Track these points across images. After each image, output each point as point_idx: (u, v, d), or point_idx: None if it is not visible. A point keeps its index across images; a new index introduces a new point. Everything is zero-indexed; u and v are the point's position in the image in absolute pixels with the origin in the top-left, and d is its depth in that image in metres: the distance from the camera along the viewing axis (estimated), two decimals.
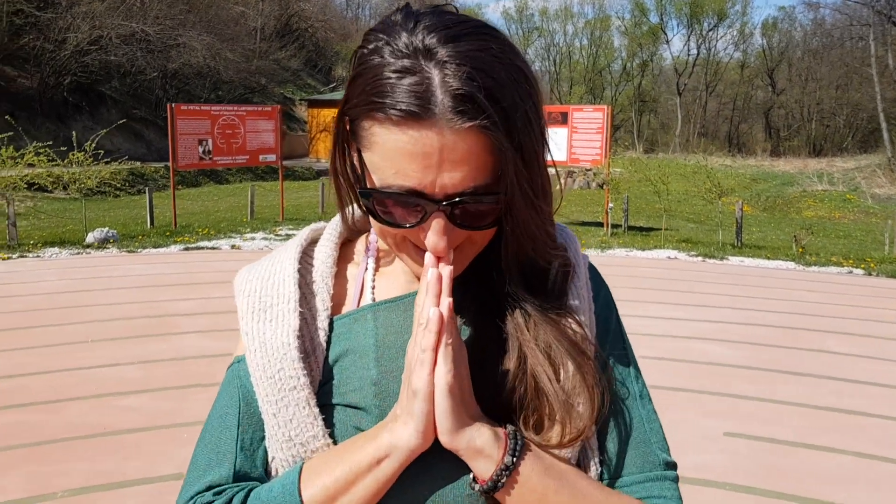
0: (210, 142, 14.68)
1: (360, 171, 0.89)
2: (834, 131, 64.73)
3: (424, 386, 0.83)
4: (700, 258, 12.44)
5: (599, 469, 0.95)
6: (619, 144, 31.06)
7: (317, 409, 0.92)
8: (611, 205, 15.14)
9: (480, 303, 0.96)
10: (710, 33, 73.59)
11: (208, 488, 0.93)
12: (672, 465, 0.98)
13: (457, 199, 0.83)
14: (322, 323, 0.97)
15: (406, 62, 0.80)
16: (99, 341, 6.89)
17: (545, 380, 0.90)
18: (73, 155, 13.13)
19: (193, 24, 37.57)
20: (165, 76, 37.12)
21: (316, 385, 0.95)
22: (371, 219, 0.90)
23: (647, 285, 9.49)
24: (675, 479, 0.98)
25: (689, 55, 74.42)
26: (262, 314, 0.97)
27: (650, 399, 1.01)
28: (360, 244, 1.06)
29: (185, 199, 21.10)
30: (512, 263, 0.92)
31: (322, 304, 0.98)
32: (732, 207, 15.05)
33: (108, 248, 12.04)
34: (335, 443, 0.92)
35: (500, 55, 0.81)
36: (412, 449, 0.85)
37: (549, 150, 0.90)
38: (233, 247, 12.44)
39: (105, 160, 13.85)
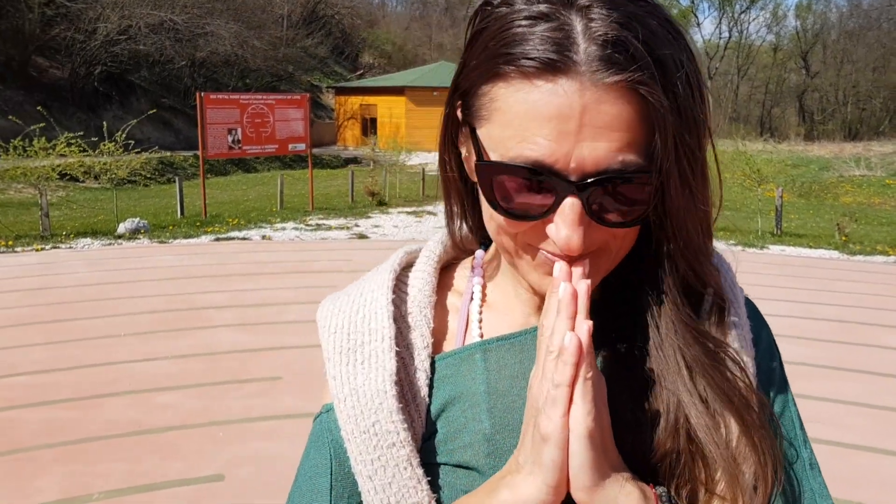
0: (239, 131, 14.58)
1: (474, 156, 0.70)
2: (870, 115, 63.43)
3: (558, 430, 0.64)
4: (739, 247, 12.12)
5: None
6: None
7: (420, 471, 0.75)
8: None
9: (616, 335, 0.76)
10: (742, 16, 72.37)
11: None
12: None
13: (598, 179, 0.64)
14: (422, 364, 0.79)
15: (542, 7, 0.64)
16: (131, 335, 6.80)
17: (708, 438, 0.71)
18: (105, 145, 13.09)
19: (220, 12, 37.57)
20: (193, 65, 37.20)
21: (418, 440, 0.77)
22: (486, 215, 0.72)
23: None
24: None
25: (720, 38, 73.26)
26: (351, 355, 0.79)
27: (819, 469, 0.80)
28: (463, 268, 0.87)
29: (214, 189, 21.07)
30: (664, 278, 0.73)
31: (422, 340, 0.80)
32: (772, 194, 14.67)
33: (140, 238, 11.99)
34: None
35: (653, 10, 0.66)
36: None
37: (710, 140, 0.71)
38: (263, 237, 12.34)
39: (136, 150, 13.79)
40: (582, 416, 0.64)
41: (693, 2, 73.30)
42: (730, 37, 72.48)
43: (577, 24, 0.63)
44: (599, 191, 0.65)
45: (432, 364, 0.79)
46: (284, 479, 3.99)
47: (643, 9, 0.65)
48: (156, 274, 9.36)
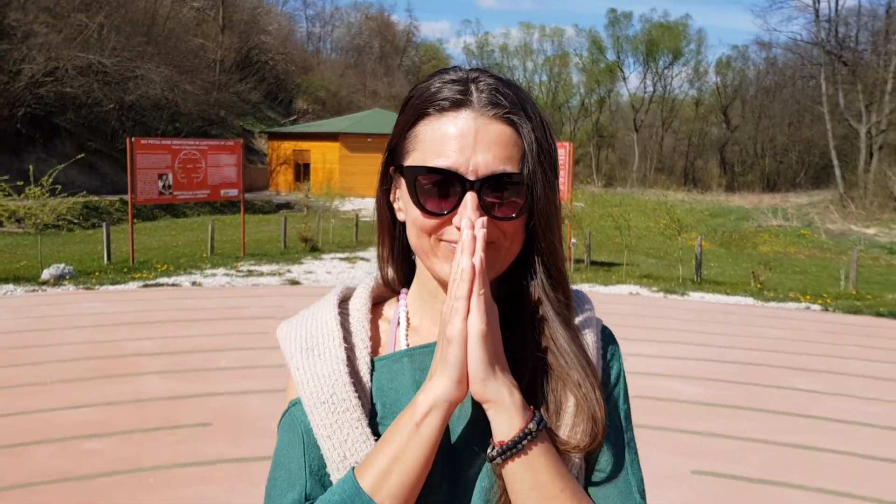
0: (170, 176, 14.54)
1: (403, 195, 1.00)
2: (787, 167, 66.42)
3: (458, 333, 0.86)
4: (661, 293, 12.61)
5: None
6: (578, 179, 31.49)
7: (368, 430, 0.97)
8: (573, 241, 15.30)
9: (513, 315, 1.00)
10: (666, 71, 75.40)
11: None
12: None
13: (489, 177, 0.92)
14: (364, 359, 1.02)
15: (451, 78, 0.98)
16: (58, 382, 6.73)
17: (579, 378, 0.95)
18: (30, 189, 12.89)
19: (152, 55, 37.35)
20: (122, 108, 36.75)
21: (367, 414, 0.98)
22: (411, 229, 0.97)
23: (611, 321, 9.46)
24: None
25: (645, 92, 76.06)
26: (309, 352, 1.02)
27: (636, 450, 1.05)
28: (390, 303, 1.11)
29: (142, 234, 20.80)
30: (538, 280, 0.99)
31: (363, 343, 1.03)
32: (692, 243, 15.31)
33: (65, 284, 11.80)
34: None
35: (527, 94, 0.99)
36: (449, 399, 0.88)
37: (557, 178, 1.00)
38: (193, 283, 12.29)
39: (63, 194, 13.62)
40: (476, 321, 0.87)
41: (619, 57, 76.02)
42: (654, 91, 75.34)
43: (472, 85, 0.96)
44: (489, 191, 0.92)
45: (371, 363, 1.02)
46: None
47: (511, 83, 0.98)
48: (82, 321, 9.25)
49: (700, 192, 52.86)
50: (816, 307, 11.86)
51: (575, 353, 0.97)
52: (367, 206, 33.00)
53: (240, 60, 54.32)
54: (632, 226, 15.98)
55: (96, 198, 26.45)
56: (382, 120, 47.27)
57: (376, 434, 0.97)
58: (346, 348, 1.01)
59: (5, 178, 12.78)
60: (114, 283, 12.02)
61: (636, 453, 1.05)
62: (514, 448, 0.87)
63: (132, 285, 11.94)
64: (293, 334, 1.05)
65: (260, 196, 38.75)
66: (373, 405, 1.00)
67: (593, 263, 16.24)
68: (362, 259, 16.10)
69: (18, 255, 15.29)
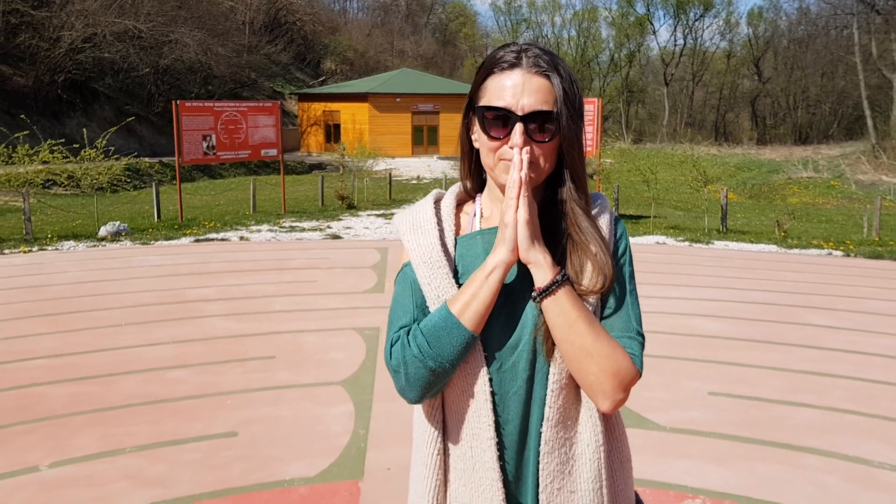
0: (214, 137, 15.17)
1: (474, 132, 1.52)
2: (819, 119, 65.55)
3: (511, 220, 1.40)
4: (687, 243, 13.06)
5: None
6: (608, 135, 31.61)
7: (453, 280, 1.50)
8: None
9: (550, 211, 1.52)
10: (697, 23, 74.28)
11: (399, 329, 1.50)
12: (642, 335, 1.50)
13: (530, 113, 1.39)
14: (450, 238, 1.56)
15: (512, 49, 1.45)
16: (131, 324, 7.43)
17: (594, 248, 1.47)
18: (86, 152, 13.60)
19: (185, 19, 37.91)
20: (157, 72, 37.45)
21: (452, 271, 1.52)
22: (483, 151, 1.48)
23: (639, 268, 10.00)
24: (642, 343, 1.50)
25: (675, 45, 75.09)
26: (415, 230, 1.56)
27: (637, 298, 1.55)
28: (468, 206, 1.64)
29: (184, 194, 21.55)
30: (566, 187, 1.49)
31: (450, 228, 1.57)
32: (718, 195, 15.67)
33: (122, 240, 12.54)
34: None
35: (560, 60, 1.46)
36: (507, 261, 1.41)
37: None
38: (241, 238, 12.96)
39: (115, 156, 14.32)
40: (523, 213, 1.40)
41: (648, 10, 74.95)
42: (685, 44, 74.30)
43: (523, 53, 1.43)
44: (531, 122, 1.41)
45: (455, 240, 1.56)
46: (292, 435, 4.73)
47: (550, 52, 1.45)
48: (143, 272, 9.96)
49: (731, 145, 52.53)
50: (838, 253, 12.25)
51: (591, 233, 1.47)
52: (397, 166, 33.48)
53: (268, 22, 54.67)
54: (659, 179, 16.35)
55: (137, 160, 27.26)
56: (410, 79, 47.48)
57: (458, 283, 1.49)
58: (439, 229, 1.54)
59: (62, 140, 13.47)
60: (167, 238, 12.74)
61: (637, 300, 1.53)
62: (546, 291, 1.40)
63: (184, 240, 12.65)
64: (404, 220, 1.58)
65: (292, 157, 39.40)
66: (456, 266, 1.53)
67: (621, 216, 16.68)
68: None
69: (72, 215, 16.09)
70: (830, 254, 12.24)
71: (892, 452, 4.63)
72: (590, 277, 1.45)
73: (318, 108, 46.11)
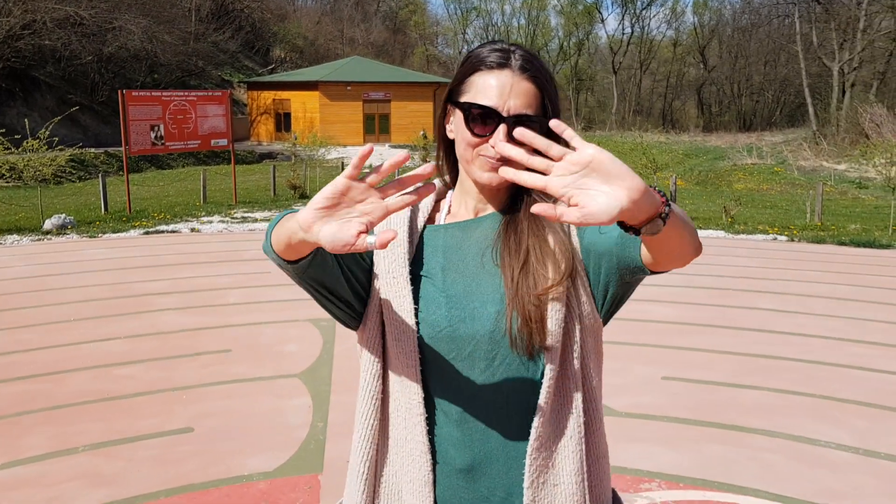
0: (162, 127, 14.89)
1: (454, 124, 1.48)
2: (763, 106, 66.94)
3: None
4: None
5: None
6: None
7: (407, 261, 1.47)
8: None
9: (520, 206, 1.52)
10: (644, 12, 75.12)
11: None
12: None
13: (515, 116, 1.37)
14: (420, 224, 1.54)
15: (499, 49, 1.43)
16: (80, 320, 7.28)
17: (553, 237, 1.46)
18: (28, 142, 13.24)
19: (128, 6, 37.02)
20: (101, 60, 36.54)
21: (410, 254, 1.50)
22: (459, 143, 1.46)
23: None
24: None
25: (623, 34, 75.84)
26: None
27: None
28: (444, 200, 1.63)
29: (132, 185, 21.12)
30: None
31: (423, 215, 1.56)
32: (667, 182, 15.93)
33: (68, 233, 12.26)
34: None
35: (545, 63, 1.46)
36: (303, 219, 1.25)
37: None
38: (192, 230, 12.77)
39: (59, 147, 13.97)
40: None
41: None
42: (632, 32, 75.10)
43: (511, 54, 1.41)
44: (514, 125, 1.38)
45: (424, 228, 1.55)
46: (250, 428, 4.71)
47: (536, 55, 1.45)
48: (92, 266, 9.76)
49: (678, 132, 53.36)
50: (783, 238, 12.57)
51: (549, 225, 1.47)
52: (349, 155, 33.24)
53: (215, 9, 53.71)
54: None
55: (82, 150, 26.60)
56: (361, 68, 47.15)
57: (413, 270, 1.47)
58: (412, 211, 1.52)
59: (2, 131, 13.09)
60: (115, 231, 12.49)
61: None
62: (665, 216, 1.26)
63: (133, 233, 12.42)
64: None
65: (242, 146, 38.88)
66: (418, 253, 1.50)
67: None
68: None
69: (15, 208, 15.66)
70: (776, 238, 12.54)
71: (835, 431, 4.79)
72: (553, 269, 1.43)
73: (267, 96, 45.54)
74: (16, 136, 13.75)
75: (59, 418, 4.97)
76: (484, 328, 1.43)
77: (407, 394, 1.46)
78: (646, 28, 75.43)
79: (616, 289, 1.48)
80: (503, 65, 1.40)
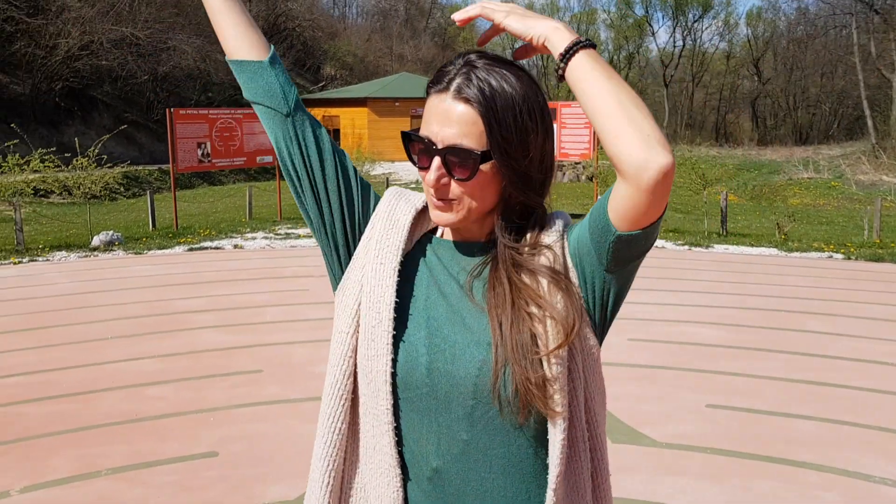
0: (208, 144, 15.04)
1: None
2: (819, 119, 65.37)
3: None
4: (686, 247, 12.89)
5: None
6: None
7: (399, 255, 1.33)
8: (600, 197, 15.56)
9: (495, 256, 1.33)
10: (696, 24, 74.14)
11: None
12: None
13: (447, 147, 1.21)
14: (422, 230, 1.40)
15: (453, 64, 1.25)
16: (117, 338, 7.28)
17: (546, 287, 1.27)
18: (78, 160, 13.46)
19: (183, 26, 37.79)
20: (156, 79, 37.32)
21: (403, 251, 1.34)
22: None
23: (637, 273, 9.90)
24: None
25: (675, 47, 74.94)
26: (402, 197, 1.41)
27: None
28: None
29: (182, 201, 21.38)
30: (506, 215, 1.30)
31: (428, 223, 1.42)
32: (718, 197, 15.50)
33: (114, 250, 12.40)
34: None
35: (507, 78, 1.22)
36: None
37: (544, 140, 1.27)
38: (235, 246, 12.82)
39: (108, 164, 14.20)
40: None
41: (647, 12, 74.88)
42: (684, 45, 74.15)
43: (456, 72, 1.22)
44: (450, 157, 1.22)
45: (423, 236, 1.40)
46: (275, 454, 4.58)
47: (503, 76, 1.21)
48: (134, 283, 9.81)
49: (731, 146, 52.36)
50: (839, 256, 12.08)
51: (539, 268, 1.26)
52: (396, 171, 33.34)
53: (268, 28, 54.52)
54: None
55: (135, 168, 27.12)
56: (409, 84, 47.38)
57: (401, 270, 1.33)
58: (416, 210, 1.37)
59: (53, 149, 13.35)
60: (160, 247, 12.59)
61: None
62: (573, 48, 1.21)
63: (178, 249, 12.51)
64: (392, 194, 1.41)
65: None
66: (410, 255, 1.35)
67: None
68: None
69: (66, 224, 15.95)
70: (831, 256, 12.07)
71: (894, 467, 4.47)
72: (552, 322, 1.23)
73: (317, 113, 45.96)
74: (66, 154, 13.98)
75: (86, 440, 4.91)
76: (465, 374, 1.25)
77: (375, 399, 1.29)
78: (698, 40, 74.43)
79: (603, 284, 1.28)
80: (447, 87, 1.22)
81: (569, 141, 15.39)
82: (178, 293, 9.16)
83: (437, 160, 1.23)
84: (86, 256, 11.90)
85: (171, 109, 14.54)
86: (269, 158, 16.47)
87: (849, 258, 11.94)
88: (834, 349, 6.83)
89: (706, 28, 75.58)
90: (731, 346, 6.91)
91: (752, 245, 13.06)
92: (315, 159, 1.38)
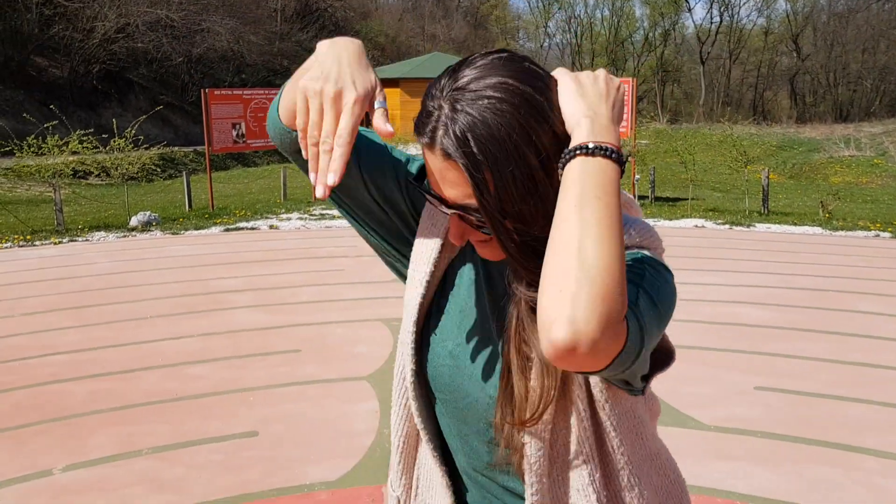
0: (243, 125, 15.04)
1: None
2: (861, 96, 63.86)
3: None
4: (727, 226, 12.64)
5: None
6: (643, 116, 31.03)
7: (435, 258, 1.21)
8: (637, 176, 15.33)
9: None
10: (733, 0, 72.64)
11: None
12: (637, 314, 0.98)
13: (457, 206, 1.03)
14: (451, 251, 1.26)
15: (433, 103, 1.01)
16: (157, 317, 7.30)
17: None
18: (115, 141, 13.54)
19: (216, 8, 37.92)
20: (190, 61, 37.55)
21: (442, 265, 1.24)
22: None
23: (677, 253, 9.74)
24: (638, 321, 0.94)
25: (711, 23, 73.55)
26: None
27: (654, 288, 1.02)
28: None
29: (217, 182, 21.51)
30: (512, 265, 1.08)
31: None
32: (759, 175, 15.17)
33: (152, 230, 12.47)
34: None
35: (502, 109, 0.96)
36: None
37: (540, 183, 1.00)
38: (271, 227, 12.83)
39: (144, 146, 14.28)
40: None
41: None
42: (721, 21, 72.73)
43: (443, 119, 0.98)
44: (464, 214, 1.03)
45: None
46: (315, 434, 4.54)
47: (496, 109, 0.96)
48: (172, 262, 9.85)
49: (769, 124, 51.38)
50: (886, 235, 11.76)
51: None
52: None
53: (300, 9, 54.52)
54: (697, 160, 15.86)
55: (171, 149, 27.32)
56: (442, 64, 47.07)
57: (429, 280, 1.22)
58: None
59: (91, 131, 13.44)
60: (197, 227, 12.64)
61: (653, 286, 1.02)
62: (584, 150, 0.95)
63: (214, 230, 12.55)
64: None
65: None
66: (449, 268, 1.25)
67: (657, 199, 16.24)
68: None
69: (105, 205, 16.11)
70: (878, 235, 11.75)
71: None
72: (537, 377, 1.09)
73: None
74: (103, 136, 14.07)
75: (127, 418, 4.91)
76: (479, 401, 1.19)
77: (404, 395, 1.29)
78: (735, 16, 72.91)
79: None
80: (430, 144, 1.01)
81: None
82: (215, 273, 9.17)
83: (451, 221, 1.08)
84: (124, 237, 11.99)
85: (206, 90, 14.55)
86: None
87: None
88: (886, 330, 6.62)
89: (744, 3, 74.11)
90: (779, 326, 6.73)
91: (795, 224, 12.76)
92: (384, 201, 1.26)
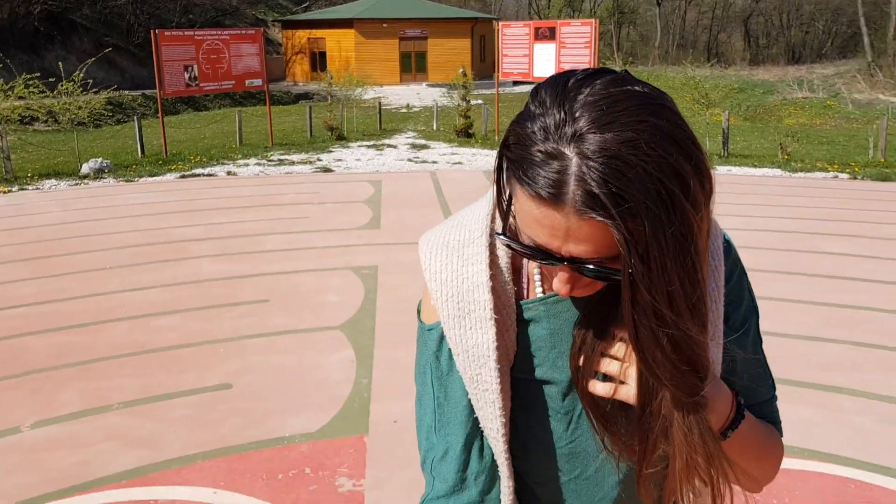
0: (196, 67, 14.54)
1: (507, 202, 0.93)
2: (813, 38, 64.42)
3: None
4: None
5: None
6: (599, 56, 30.86)
7: (501, 408, 1.03)
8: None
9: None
10: None
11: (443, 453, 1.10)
12: (774, 387, 1.18)
13: (580, 262, 0.87)
14: (512, 322, 1.04)
15: (552, 146, 0.83)
16: (117, 267, 7.07)
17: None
18: (63, 85, 12.98)
19: None
20: (136, 1, 36.14)
21: (508, 370, 1.05)
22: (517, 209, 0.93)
23: None
24: (776, 398, 1.20)
25: None
26: (462, 321, 1.03)
27: (762, 348, 1.15)
28: (498, 248, 1.07)
29: (168, 127, 20.89)
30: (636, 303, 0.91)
31: (510, 305, 1.04)
32: (718, 118, 15.21)
33: (105, 177, 12.07)
34: (521, 412, 1.07)
35: (648, 151, 0.80)
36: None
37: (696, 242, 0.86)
38: (228, 173, 12.51)
39: (93, 90, 13.73)
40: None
41: None
42: None
43: (573, 168, 0.80)
44: (582, 266, 0.87)
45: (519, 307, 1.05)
46: (290, 385, 4.44)
47: (639, 151, 0.80)
48: (129, 211, 9.55)
49: (723, 66, 51.60)
50: (844, 176, 11.91)
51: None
52: (385, 94, 32.70)
53: None
54: None
55: (120, 93, 26.42)
56: (397, 4, 46.08)
57: (516, 378, 1.05)
58: (495, 319, 1.01)
59: (37, 75, 12.87)
60: (151, 174, 12.27)
61: (762, 350, 1.14)
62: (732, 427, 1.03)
63: (169, 176, 12.19)
64: (446, 291, 1.04)
65: (278, 86, 38.43)
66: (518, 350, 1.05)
67: None
68: (389, 146, 16.18)
69: (54, 152, 15.53)
70: (836, 177, 11.89)
71: None
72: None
73: (302, 35, 44.79)
74: (53, 80, 13.48)
75: (94, 373, 4.75)
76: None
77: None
78: None
79: None
80: (556, 198, 0.82)
81: (569, 61, 14.97)
82: (174, 221, 8.91)
83: (562, 273, 0.91)
84: (76, 185, 11.58)
85: (156, 31, 13.99)
86: (258, 82, 15.99)
87: (854, 178, 11.77)
88: (854, 271, 6.70)
89: None
90: (748, 268, 6.74)
91: (755, 166, 12.86)
92: None
